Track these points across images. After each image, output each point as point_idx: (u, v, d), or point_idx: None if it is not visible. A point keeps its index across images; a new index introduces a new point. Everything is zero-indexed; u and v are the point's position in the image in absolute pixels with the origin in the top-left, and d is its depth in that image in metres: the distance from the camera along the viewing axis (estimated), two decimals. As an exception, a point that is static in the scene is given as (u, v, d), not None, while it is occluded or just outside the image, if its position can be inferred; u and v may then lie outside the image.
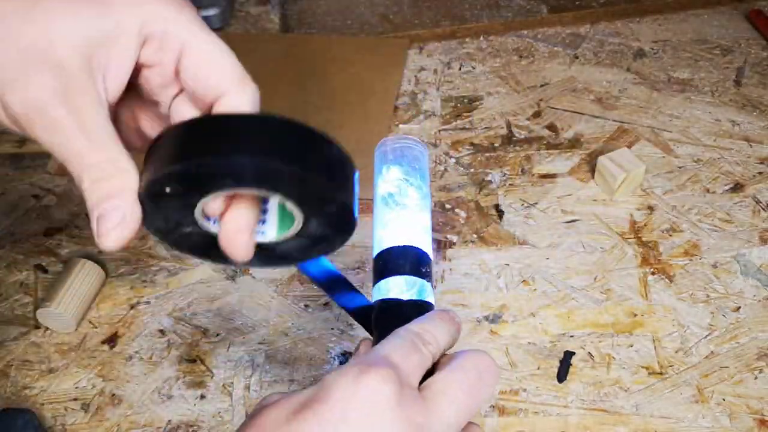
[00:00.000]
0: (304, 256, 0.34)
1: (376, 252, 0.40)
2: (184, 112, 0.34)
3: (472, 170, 0.68)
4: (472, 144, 0.70)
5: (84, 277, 0.58)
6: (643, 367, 0.53)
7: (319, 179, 0.29)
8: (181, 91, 0.34)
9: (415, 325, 0.35)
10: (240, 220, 0.31)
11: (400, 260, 0.38)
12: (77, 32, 0.30)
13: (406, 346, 0.33)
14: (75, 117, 0.29)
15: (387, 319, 0.37)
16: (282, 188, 0.29)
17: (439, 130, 0.72)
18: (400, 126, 0.72)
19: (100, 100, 0.30)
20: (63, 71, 0.29)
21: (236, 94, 0.32)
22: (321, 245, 0.33)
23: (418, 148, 0.43)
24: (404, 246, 0.39)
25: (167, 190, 0.29)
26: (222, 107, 0.32)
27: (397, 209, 0.40)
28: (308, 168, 0.28)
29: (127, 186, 0.31)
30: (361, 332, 0.55)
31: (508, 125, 0.72)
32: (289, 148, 0.28)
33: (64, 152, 0.30)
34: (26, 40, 0.29)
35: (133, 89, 0.34)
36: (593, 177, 0.66)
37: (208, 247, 0.33)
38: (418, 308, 0.38)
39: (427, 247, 0.40)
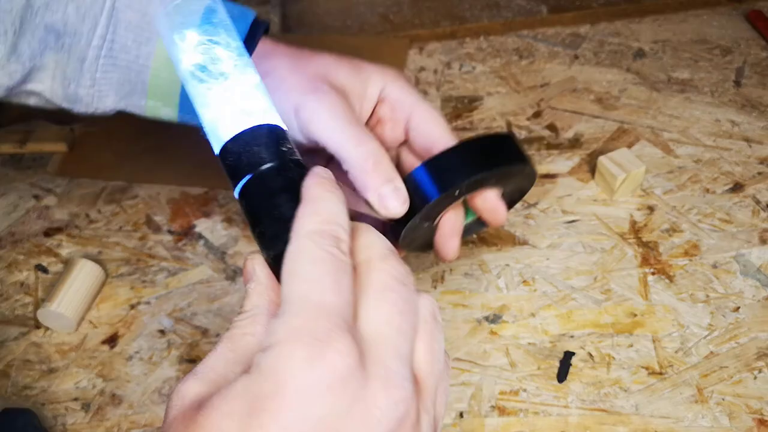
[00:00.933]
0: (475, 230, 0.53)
1: (218, 148, 0.32)
2: (408, 158, 0.48)
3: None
4: (472, 144, 0.70)
5: (84, 277, 0.58)
6: (643, 367, 0.53)
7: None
8: (405, 142, 0.47)
9: (316, 221, 0.28)
10: (456, 222, 0.47)
11: (254, 148, 0.31)
12: (342, 77, 0.44)
13: (329, 270, 0.27)
14: (351, 118, 0.41)
15: (260, 202, 0.31)
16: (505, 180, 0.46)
17: (439, 130, 0.72)
18: (400, 126, 0.72)
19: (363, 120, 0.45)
20: (341, 91, 0.43)
21: (449, 142, 0.45)
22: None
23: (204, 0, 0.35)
24: (250, 129, 0.32)
25: (457, 193, 0.42)
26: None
27: (215, 82, 0.33)
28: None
29: (397, 172, 0.41)
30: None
31: (508, 125, 0.72)
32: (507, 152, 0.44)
33: (344, 142, 0.40)
34: (314, 70, 0.44)
35: None
36: (593, 177, 0.66)
37: (424, 244, 0.49)
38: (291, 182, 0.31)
39: (274, 116, 0.33)
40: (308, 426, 0.24)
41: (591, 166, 0.66)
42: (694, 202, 0.64)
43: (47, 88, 0.47)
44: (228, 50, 0.33)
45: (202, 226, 0.65)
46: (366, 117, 0.46)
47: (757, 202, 0.63)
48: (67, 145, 0.72)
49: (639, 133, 0.70)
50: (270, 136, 0.32)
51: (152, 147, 0.72)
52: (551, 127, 0.71)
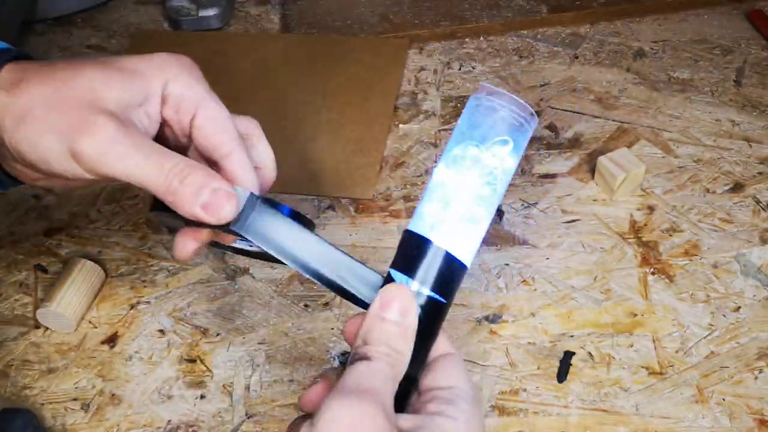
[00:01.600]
0: None
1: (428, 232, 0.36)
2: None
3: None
4: (472, 144, 0.70)
5: (84, 277, 0.58)
6: (643, 367, 0.53)
7: None
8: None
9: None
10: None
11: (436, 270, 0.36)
12: (115, 94, 0.37)
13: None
14: (141, 142, 0.36)
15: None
16: None
17: (439, 130, 0.72)
18: (400, 126, 0.72)
19: (148, 136, 0.38)
20: (116, 116, 0.36)
21: (236, 156, 0.39)
22: None
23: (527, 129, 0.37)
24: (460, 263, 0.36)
25: None
26: (227, 169, 0.39)
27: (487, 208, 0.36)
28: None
29: (212, 172, 0.37)
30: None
31: (508, 125, 0.72)
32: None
33: (143, 171, 0.36)
34: (78, 100, 0.36)
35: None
36: (593, 177, 0.66)
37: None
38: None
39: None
40: None
41: (591, 166, 0.66)
42: (694, 202, 0.63)
43: None
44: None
45: (201, 226, 0.64)
46: (157, 124, 0.40)
47: (758, 201, 0.63)
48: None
49: (639, 133, 0.70)
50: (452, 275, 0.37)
51: (152, 147, 0.72)
52: (551, 127, 0.71)
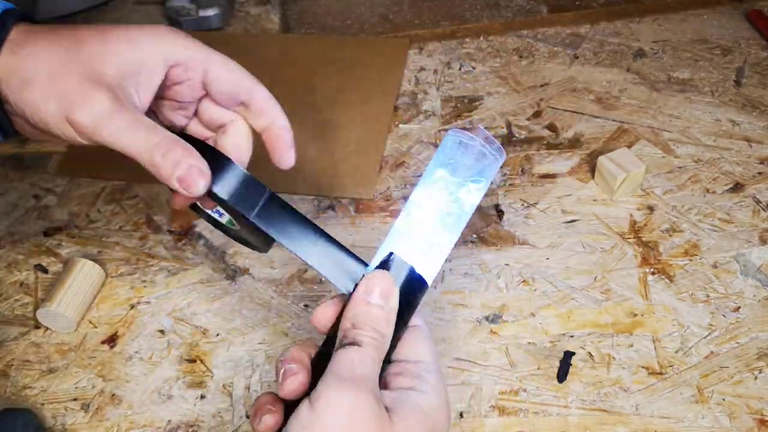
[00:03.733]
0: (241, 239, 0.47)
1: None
2: (211, 110, 0.46)
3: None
4: (472, 144, 0.70)
5: (84, 277, 0.58)
6: (643, 367, 0.53)
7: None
8: (205, 95, 0.45)
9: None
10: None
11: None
12: (114, 65, 0.40)
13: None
14: (132, 117, 0.40)
15: None
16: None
17: (439, 130, 0.72)
18: (400, 126, 0.72)
19: (140, 108, 0.42)
20: (112, 89, 0.40)
21: (259, 89, 0.45)
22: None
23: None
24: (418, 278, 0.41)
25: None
26: (255, 103, 0.45)
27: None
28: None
29: (191, 150, 0.40)
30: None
31: (508, 125, 0.72)
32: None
33: (131, 143, 0.40)
34: (79, 71, 0.40)
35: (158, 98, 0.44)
36: (593, 177, 0.66)
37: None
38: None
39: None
40: None
41: (591, 166, 0.66)
42: (694, 202, 0.63)
43: None
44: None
45: (202, 226, 0.65)
46: (153, 91, 0.43)
47: (758, 202, 0.63)
48: (67, 145, 0.72)
49: (639, 133, 0.70)
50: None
51: (152, 147, 0.72)
52: (551, 127, 0.71)
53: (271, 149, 0.46)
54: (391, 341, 0.38)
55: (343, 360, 0.36)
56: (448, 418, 0.38)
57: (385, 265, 0.40)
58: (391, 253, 0.41)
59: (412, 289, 0.40)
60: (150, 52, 0.42)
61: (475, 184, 0.41)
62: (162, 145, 0.40)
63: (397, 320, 0.38)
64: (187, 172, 0.39)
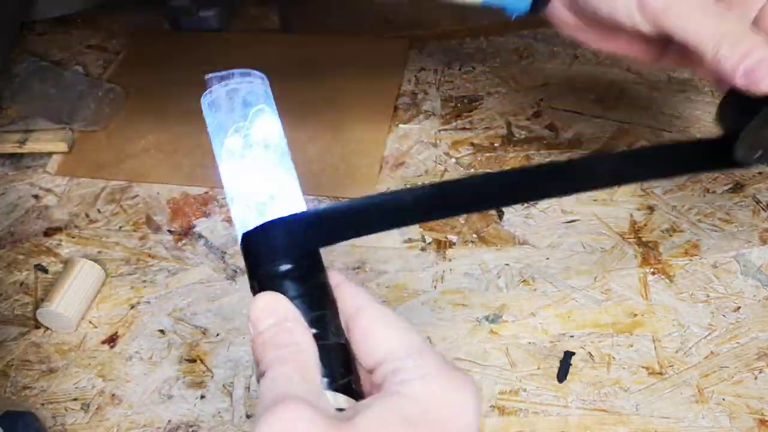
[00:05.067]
0: None
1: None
2: None
3: (472, 170, 0.68)
4: (472, 144, 0.70)
5: (84, 277, 0.58)
6: (643, 367, 0.53)
7: None
8: None
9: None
10: None
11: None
12: None
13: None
14: (702, 2, 0.39)
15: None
16: None
17: (439, 130, 0.72)
18: (400, 126, 0.72)
19: None
20: None
21: None
22: None
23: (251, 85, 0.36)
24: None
25: None
26: None
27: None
28: None
29: (763, 42, 0.38)
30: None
31: (508, 125, 0.72)
32: None
33: (698, 30, 0.39)
34: None
35: None
36: (593, 177, 0.66)
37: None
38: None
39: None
40: None
41: (591, 166, 0.66)
42: (694, 202, 0.63)
43: None
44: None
45: (202, 225, 0.65)
46: None
47: (758, 201, 0.63)
48: (67, 145, 0.72)
49: (639, 133, 0.70)
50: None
51: (152, 147, 0.72)
52: (551, 127, 0.71)
53: None
54: (329, 319, 0.32)
55: (260, 397, 0.29)
56: (469, 411, 0.29)
57: (248, 245, 0.34)
58: (244, 234, 0.34)
59: (293, 234, 0.33)
60: None
61: (259, 115, 0.36)
62: (731, 34, 0.38)
63: (307, 290, 0.32)
64: (756, 65, 0.37)
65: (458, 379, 0.29)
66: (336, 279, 0.34)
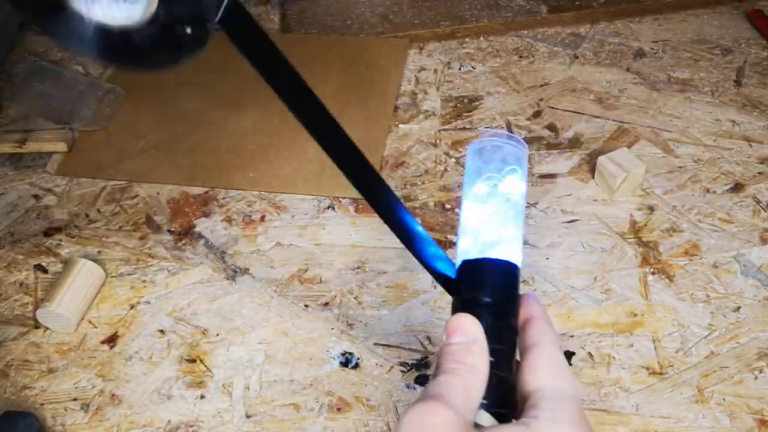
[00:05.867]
0: (150, 54, 0.37)
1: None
2: None
3: (472, 170, 0.68)
4: (472, 144, 0.70)
5: (84, 277, 0.58)
6: (643, 367, 0.53)
7: None
8: None
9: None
10: None
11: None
12: None
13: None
14: None
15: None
16: None
17: (439, 130, 0.72)
18: (400, 126, 0.72)
19: None
20: None
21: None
22: (169, 44, 0.37)
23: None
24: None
25: None
26: None
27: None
28: None
29: None
30: (361, 333, 0.55)
31: (508, 125, 0.72)
32: None
33: None
34: None
35: None
36: (593, 177, 0.66)
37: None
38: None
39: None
40: None
41: (591, 165, 0.66)
42: (694, 202, 0.63)
43: None
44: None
45: (202, 226, 0.65)
46: None
47: (758, 201, 0.63)
48: (67, 145, 0.72)
49: (639, 133, 0.70)
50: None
51: (152, 147, 0.72)
52: (551, 127, 0.71)
53: None
54: (507, 355, 0.36)
55: (424, 390, 0.34)
56: None
57: (463, 271, 0.38)
58: (465, 260, 0.38)
59: (502, 277, 0.38)
60: None
61: (511, 174, 0.41)
62: None
63: (498, 326, 0.36)
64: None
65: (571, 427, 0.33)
66: (533, 311, 0.38)
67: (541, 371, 0.35)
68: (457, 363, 0.35)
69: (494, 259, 0.38)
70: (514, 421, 0.34)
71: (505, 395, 0.36)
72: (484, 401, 0.35)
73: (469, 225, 0.40)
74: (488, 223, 0.40)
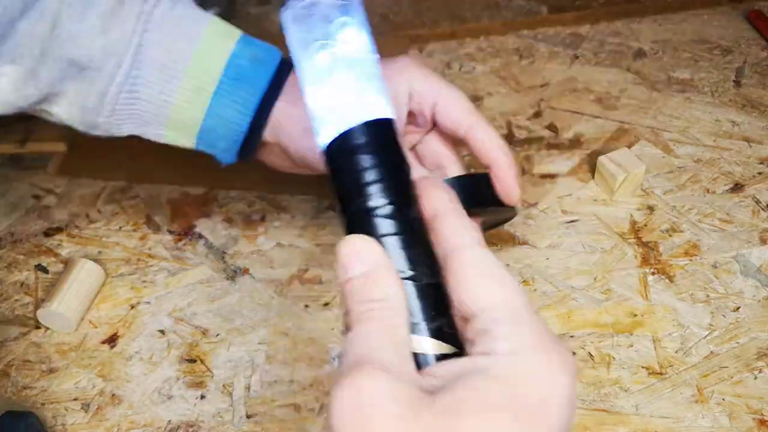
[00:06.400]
0: None
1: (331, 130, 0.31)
2: (431, 143, 0.51)
3: (472, 170, 0.68)
4: (472, 144, 0.70)
5: (84, 277, 0.58)
6: (643, 367, 0.53)
7: None
8: (432, 129, 0.50)
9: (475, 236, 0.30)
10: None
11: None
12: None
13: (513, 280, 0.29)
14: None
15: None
16: None
17: (439, 130, 0.72)
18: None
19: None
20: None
21: (478, 129, 0.48)
22: None
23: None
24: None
25: None
26: (474, 143, 0.49)
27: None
28: None
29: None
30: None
31: (508, 125, 0.72)
32: None
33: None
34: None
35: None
36: (593, 177, 0.66)
37: None
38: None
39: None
40: None
41: (591, 166, 0.66)
42: (694, 202, 0.63)
43: (64, 112, 0.48)
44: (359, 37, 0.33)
45: (202, 226, 0.65)
46: (403, 123, 0.48)
47: (757, 202, 0.63)
48: (67, 145, 0.72)
49: (639, 133, 0.70)
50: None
51: (152, 147, 0.72)
52: (551, 127, 0.71)
53: (495, 186, 0.49)
54: (422, 256, 0.29)
55: (343, 352, 0.28)
56: (562, 397, 0.25)
57: (332, 151, 0.31)
58: (336, 137, 0.31)
59: (378, 138, 0.31)
60: (398, 83, 0.46)
61: (344, 29, 0.33)
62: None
63: (399, 221, 0.29)
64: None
65: (553, 360, 0.26)
66: (437, 203, 0.31)
67: (475, 286, 0.28)
68: (364, 303, 0.28)
69: (357, 126, 0.31)
70: (464, 357, 0.27)
71: (435, 306, 0.29)
72: (414, 323, 0.28)
73: (320, 110, 0.33)
74: (341, 101, 0.32)
